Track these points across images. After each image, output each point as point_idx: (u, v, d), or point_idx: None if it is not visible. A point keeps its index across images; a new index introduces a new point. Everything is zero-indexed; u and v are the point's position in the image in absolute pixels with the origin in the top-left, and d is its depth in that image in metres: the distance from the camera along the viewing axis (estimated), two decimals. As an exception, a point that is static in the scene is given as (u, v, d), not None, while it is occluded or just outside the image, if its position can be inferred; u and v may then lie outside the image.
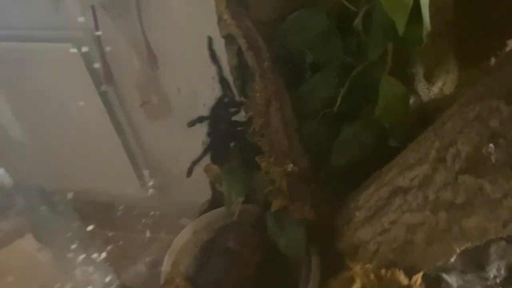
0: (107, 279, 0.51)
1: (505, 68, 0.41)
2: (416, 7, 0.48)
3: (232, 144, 0.64)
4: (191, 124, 0.60)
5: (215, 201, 0.71)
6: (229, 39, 0.67)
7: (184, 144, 0.87)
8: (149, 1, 1.02)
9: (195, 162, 0.63)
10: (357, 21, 0.52)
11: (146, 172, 1.33)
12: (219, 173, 0.70)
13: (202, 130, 0.76)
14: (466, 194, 0.42)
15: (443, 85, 0.65)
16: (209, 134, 0.63)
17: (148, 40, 1.22)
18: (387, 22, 0.49)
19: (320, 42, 0.57)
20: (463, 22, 0.57)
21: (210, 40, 0.63)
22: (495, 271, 0.51)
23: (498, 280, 0.50)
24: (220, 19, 0.66)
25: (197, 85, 0.86)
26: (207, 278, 0.59)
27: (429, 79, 0.63)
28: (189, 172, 0.63)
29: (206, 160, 0.71)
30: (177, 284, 0.55)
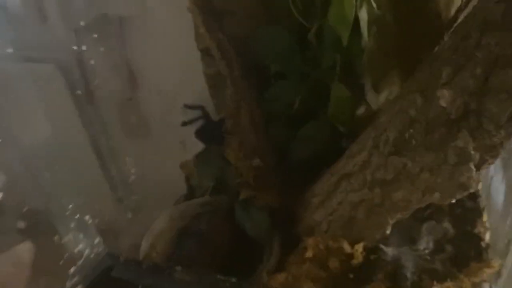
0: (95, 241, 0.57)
1: (421, 71, 0.51)
2: (358, 24, 0.59)
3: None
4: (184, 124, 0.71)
5: (190, 195, 0.80)
6: (205, 51, 0.77)
7: (158, 163, 0.94)
8: (131, 24, 1.10)
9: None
10: (311, 35, 0.63)
11: (123, 193, 1.39)
12: (193, 169, 0.79)
13: (174, 152, 0.84)
14: (394, 172, 0.52)
15: (388, 94, 0.75)
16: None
17: (129, 63, 1.30)
18: (335, 36, 0.60)
19: (282, 54, 0.68)
20: (402, 38, 0.68)
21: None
22: (424, 244, 0.60)
23: (426, 251, 0.60)
24: (197, 34, 0.76)
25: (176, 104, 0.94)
26: (181, 256, 0.66)
27: (376, 89, 0.74)
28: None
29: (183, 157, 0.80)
30: (154, 258, 0.63)
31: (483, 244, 0.59)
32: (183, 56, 0.92)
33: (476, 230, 0.60)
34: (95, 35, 1.17)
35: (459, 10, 0.61)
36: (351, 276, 0.55)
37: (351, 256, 0.57)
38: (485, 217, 0.62)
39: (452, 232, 0.61)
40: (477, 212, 0.63)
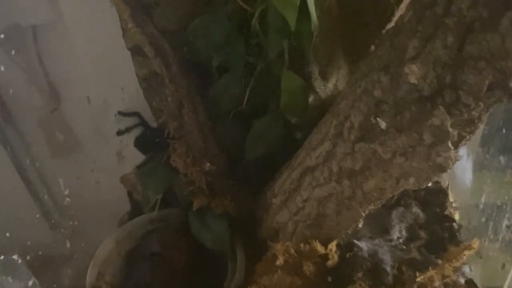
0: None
1: (380, 48, 0.48)
2: (304, 6, 0.54)
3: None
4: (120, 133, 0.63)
5: (135, 212, 0.71)
6: (135, 50, 0.69)
7: (93, 180, 0.85)
8: (46, 33, 0.99)
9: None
10: (254, 22, 0.57)
11: (58, 220, 1.26)
12: (135, 182, 0.70)
13: (102, 158, 0.76)
14: (363, 160, 0.48)
15: (336, 81, 0.72)
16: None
17: (48, 74, 1.17)
18: (281, 20, 0.55)
19: (223, 45, 0.61)
20: (346, 21, 0.64)
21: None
22: (397, 233, 0.57)
23: (401, 240, 0.56)
24: (125, 31, 0.68)
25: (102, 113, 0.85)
26: (135, 285, 0.58)
27: (324, 76, 0.70)
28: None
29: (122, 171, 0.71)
30: (103, 292, 0.54)
31: (455, 225, 0.57)
32: (109, 59, 0.83)
33: (446, 212, 0.58)
34: (7, 47, 1.04)
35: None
36: (329, 279, 0.51)
37: (325, 257, 0.52)
38: (451, 197, 0.60)
39: (423, 216, 0.58)
40: (443, 193, 0.61)
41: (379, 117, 0.45)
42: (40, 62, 1.05)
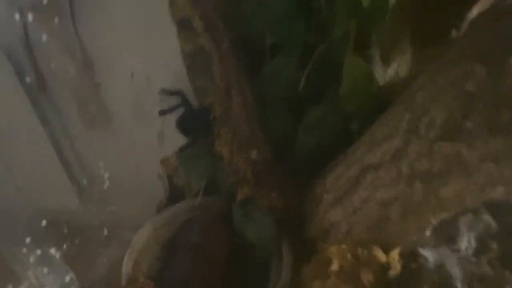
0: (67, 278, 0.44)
1: (475, 33, 0.41)
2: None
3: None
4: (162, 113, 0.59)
5: (174, 197, 0.67)
6: (182, 24, 0.64)
7: (124, 153, 0.81)
8: (83, 2, 0.95)
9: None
10: (321, -3, 0.51)
11: (83, 184, 1.25)
12: (176, 165, 0.66)
13: (142, 138, 0.72)
14: (443, 162, 0.42)
15: (398, 66, 0.65)
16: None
17: (83, 44, 1.14)
18: (351, -4, 0.49)
19: (281, 22, 0.56)
20: (418, 2, 0.57)
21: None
22: (466, 243, 0.51)
23: (470, 252, 0.50)
24: (172, 2, 0.62)
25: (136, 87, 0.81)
26: (172, 277, 0.55)
27: (386, 60, 0.63)
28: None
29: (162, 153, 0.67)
30: (141, 284, 0.50)
31: (532, 238, 0.51)
32: (152, 31, 0.78)
33: (522, 222, 0.51)
34: (44, 16, 1.01)
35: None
36: (391, 291, 0.45)
37: (387, 266, 0.46)
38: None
39: (495, 226, 0.52)
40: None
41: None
42: (76, 32, 1.01)
